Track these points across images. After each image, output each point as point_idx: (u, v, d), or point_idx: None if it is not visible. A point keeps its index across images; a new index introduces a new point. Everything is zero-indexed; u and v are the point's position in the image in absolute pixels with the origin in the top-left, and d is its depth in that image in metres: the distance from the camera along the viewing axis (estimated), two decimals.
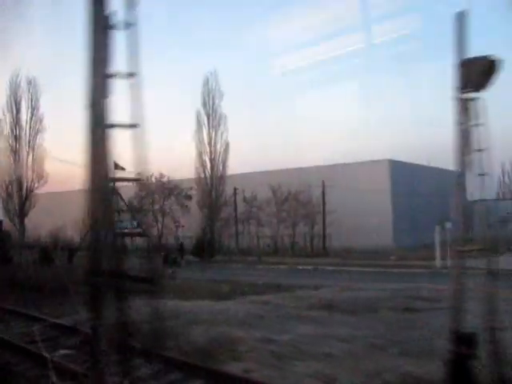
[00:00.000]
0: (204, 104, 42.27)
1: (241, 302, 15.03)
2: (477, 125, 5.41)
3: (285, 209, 38.87)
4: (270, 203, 39.27)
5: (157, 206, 44.96)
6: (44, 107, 46.71)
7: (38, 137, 46.19)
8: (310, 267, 28.33)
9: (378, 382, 7.17)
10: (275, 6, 65.33)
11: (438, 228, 27.53)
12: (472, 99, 5.70)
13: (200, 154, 42.45)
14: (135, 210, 46.36)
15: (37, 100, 46.10)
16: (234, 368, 8.05)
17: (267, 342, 9.60)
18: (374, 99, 67.49)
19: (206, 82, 42.38)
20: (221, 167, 42.36)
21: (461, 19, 5.72)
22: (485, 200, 6.54)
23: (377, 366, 7.74)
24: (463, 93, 5.79)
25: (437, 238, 27.09)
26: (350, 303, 14.28)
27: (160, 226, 44.34)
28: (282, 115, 75.34)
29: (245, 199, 41.09)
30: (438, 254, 26.61)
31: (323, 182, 37.75)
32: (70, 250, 29.22)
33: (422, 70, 73.93)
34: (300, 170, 41.73)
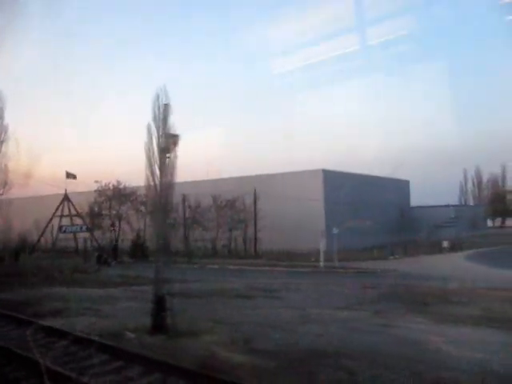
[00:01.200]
0: (154, 118, 45.62)
1: (119, 289, 18.57)
2: None
3: (223, 215, 42.50)
4: (211, 210, 42.90)
5: (114, 212, 48.77)
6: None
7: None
8: (231, 267, 32.07)
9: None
10: (269, 8, 66.99)
11: (322, 235, 31.35)
12: None
13: (150, 164, 45.79)
14: (94, 215, 50.03)
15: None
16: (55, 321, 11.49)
17: (94, 310, 13.17)
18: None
19: (157, 98, 45.73)
20: (169, 176, 45.69)
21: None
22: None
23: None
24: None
25: (322, 244, 30.87)
26: (203, 291, 17.92)
27: (117, 229, 48.02)
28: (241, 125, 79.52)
29: (189, 206, 44.58)
30: (321, 256, 30.43)
31: (255, 190, 41.36)
32: (16, 250, 32.68)
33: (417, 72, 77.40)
34: (241, 179, 45.35)
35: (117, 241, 43.50)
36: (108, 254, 35.03)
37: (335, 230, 31.46)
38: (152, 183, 39.29)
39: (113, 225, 46.56)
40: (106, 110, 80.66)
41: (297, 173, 45.41)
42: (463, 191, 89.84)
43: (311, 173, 45.20)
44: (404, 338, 10.05)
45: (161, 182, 40.98)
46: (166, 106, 41.29)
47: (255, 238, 41.09)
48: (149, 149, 40.84)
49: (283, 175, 45.46)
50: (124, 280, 22.07)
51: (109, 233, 47.87)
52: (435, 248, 41.50)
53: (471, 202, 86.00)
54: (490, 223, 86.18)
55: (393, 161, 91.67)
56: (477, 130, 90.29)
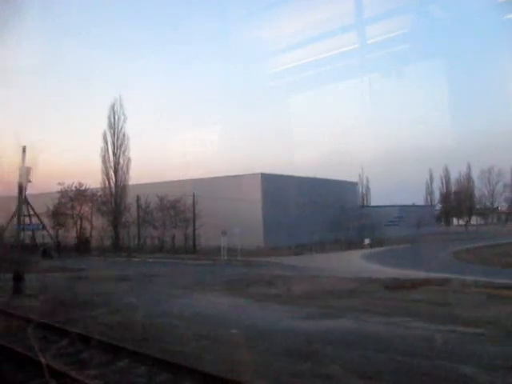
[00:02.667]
0: (110, 125, 50.38)
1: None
2: None
3: (167, 214, 47.43)
4: (157, 209, 47.84)
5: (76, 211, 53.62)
6: None
7: None
8: (151, 260, 37.37)
9: None
10: (265, 7, 67.75)
11: (223, 233, 36.18)
12: None
13: (106, 168, 50.56)
14: (57, 215, 54.53)
15: None
16: None
17: None
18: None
19: (112, 107, 50.48)
20: (123, 178, 50.50)
21: None
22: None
23: None
24: None
25: (223, 241, 35.69)
26: (92, 276, 22.78)
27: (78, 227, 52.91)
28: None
29: (139, 206, 49.36)
30: (222, 251, 35.42)
31: (193, 193, 46.07)
32: None
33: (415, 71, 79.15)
34: (186, 181, 50.05)
35: (57, 237, 48.24)
36: (53, 249, 39.75)
37: (236, 230, 35.90)
38: (107, 185, 44.94)
39: (59, 224, 51.25)
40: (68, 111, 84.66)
41: (238, 176, 50.11)
42: (428, 191, 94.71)
43: (250, 176, 49.90)
44: (185, 305, 14.70)
45: (116, 184, 46.55)
46: (120, 116, 46.66)
47: (194, 236, 45.76)
48: (104, 154, 46.39)
49: (227, 178, 50.14)
50: (46, 268, 26.71)
51: (71, 230, 52.71)
52: (359, 245, 46.29)
53: (437, 201, 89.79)
54: (457, 221, 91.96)
55: (381, 161, 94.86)
56: (469, 129, 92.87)
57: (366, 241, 47.07)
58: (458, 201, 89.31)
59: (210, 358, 8.13)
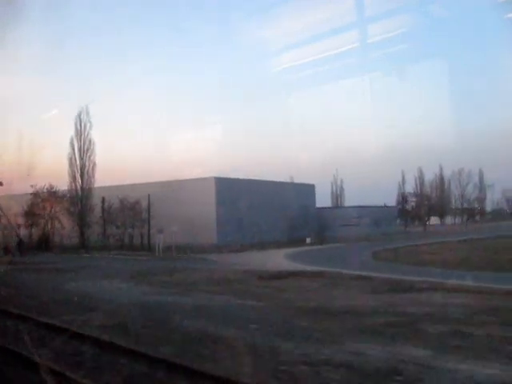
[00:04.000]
0: (76, 132, 54.42)
1: None
2: None
3: (127, 215, 51.62)
4: (119, 210, 52.04)
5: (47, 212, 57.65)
6: None
7: None
8: (98, 255, 42.12)
9: None
10: (266, 6, 68.75)
11: (158, 231, 40.91)
12: None
13: (72, 171, 54.65)
14: (30, 215, 58.32)
15: None
16: None
17: None
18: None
19: (79, 115, 54.51)
20: (89, 181, 54.61)
21: None
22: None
23: None
24: None
25: (158, 238, 40.10)
26: (32, 268, 26.81)
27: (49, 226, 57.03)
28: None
29: (103, 207, 53.48)
30: (157, 248, 39.88)
31: (149, 195, 50.19)
32: None
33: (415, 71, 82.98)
34: (147, 184, 54.25)
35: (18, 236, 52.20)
36: (13, 247, 43.68)
37: (174, 228, 40.06)
38: (74, 187, 49.48)
39: (32, 223, 55.22)
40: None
41: (194, 179, 54.45)
42: (400, 192, 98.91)
43: (205, 180, 54.21)
44: (78, 287, 18.82)
45: (82, 186, 51.15)
46: (86, 123, 51.73)
47: (148, 235, 49.91)
48: (71, 158, 51.11)
49: (184, 181, 54.35)
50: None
51: (43, 230, 56.71)
52: (301, 243, 50.53)
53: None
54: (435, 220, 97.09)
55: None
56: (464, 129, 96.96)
57: (308, 240, 51.27)
58: (429, 202, 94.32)
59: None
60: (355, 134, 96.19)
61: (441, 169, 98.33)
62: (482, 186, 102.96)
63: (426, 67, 68.14)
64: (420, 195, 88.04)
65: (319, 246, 49.07)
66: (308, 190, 71.27)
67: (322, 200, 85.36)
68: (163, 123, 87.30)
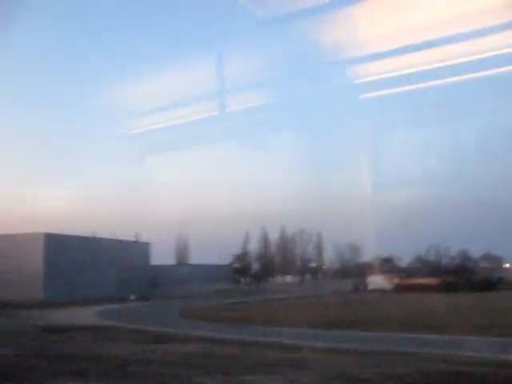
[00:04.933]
0: None
1: None
2: None
3: None
4: None
5: None
6: None
7: None
8: None
9: None
10: (131, 67, 69.46)
11: None
12: None
13: None
14: None
15: None
16: None
17: None
18: None
19: None
20: None
21: None
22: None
23: None
24: None
25: None
26: None
27: None
28: None
29: None
30: None
31: None
32: None
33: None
34: None
35: None
36: None
37: None
38: None
39: None
40: None
41: (21, 234, 54.47)
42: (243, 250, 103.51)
43: (33, 235, 54.55)
44: None
45: None
46: None
47: None
48: None
49: (10, 236, 54.17)
50: None
51: None
52: (125, 300, 52.42)
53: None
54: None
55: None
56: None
57: (132, 297, 53.42)
58: (265, 260, 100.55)
59: None
60: (209, 196, 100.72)
61: (283, 229, 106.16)
62: (319, 246, 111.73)
63: (276, 137, 74.11)
64: (248, 254, 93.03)
65: (142, 303, 51.24)
66: (143, 247, 73.69)
67: (169, 257, 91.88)
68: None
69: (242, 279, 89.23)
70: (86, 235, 62.54)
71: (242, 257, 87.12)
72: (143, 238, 77.39)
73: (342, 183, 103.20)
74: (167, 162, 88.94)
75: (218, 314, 37.38)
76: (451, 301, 41.97)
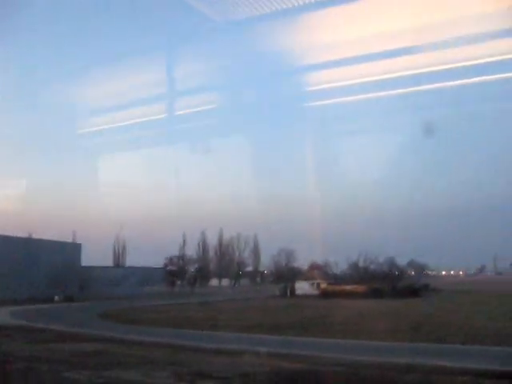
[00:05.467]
0: None
1: None
2: None
3: None
4: None
5: None
6: None
7: None
8: None
9: None
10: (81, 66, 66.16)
11: None
12: None
13: None
14: None
15: None
16: None
17: None
18: None
19: None
20: None
21: None
22: None
23: None
24: None
25: None
26: None
27: None
28: None
29: None
30: None
31: None
32: None
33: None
34: None
35: None
36: None
37: None
38: None
39: None
40: None
41: None
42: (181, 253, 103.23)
43: None
44: None
45: None
46: None
47: None
48: None
49: None
50: None
51: None
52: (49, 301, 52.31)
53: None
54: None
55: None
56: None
57: (56, 297, 53.37)
58: (201, 264, 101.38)
59: None
60: (153, 199, 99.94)
61: (221, 233, 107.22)
62: (256, 250, 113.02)
63: (224, 142, 74.43)
64: (184, 257, 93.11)
65: (66, 304, 51.25)
66: (74, 248, 73.24)
67: (107, 259, 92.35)
68: None
69: (178, 282, 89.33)
70: (20, 236, 62.11)
71: (177, 260, 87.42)
72: (82, 240, 77.38)
73: (285, 189, 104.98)
74: (114, 163, 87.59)
75: (136, 316, 38.14)
76: (363, 306, 44.06)
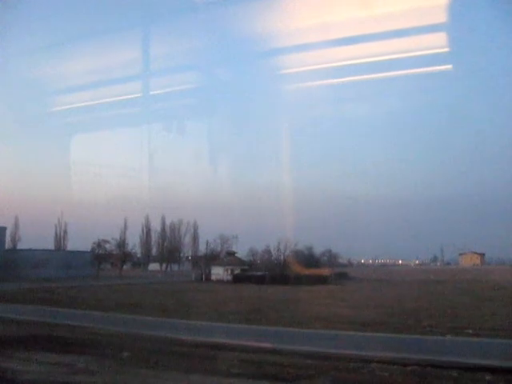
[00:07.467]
0: None
1: None
2: None
3: None
4: None
5: None
6: None
7: None
8: None
9: None
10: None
11: None
12: None
13: None
14: None
15: None
16: None
17: None
18: None
19: None
20: None
21: None
22: None
23: None
24: None
25: None
26: None
27: None
28: None
29: None
30: None
31: None
32: None
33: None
34: None
35: None
36: None
37: None
38: None
39: None
40: None
41: None
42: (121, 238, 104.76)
43: None
44: None
45: None
46: None
47: None
48: None
49: None
50: None
51: None
52: None
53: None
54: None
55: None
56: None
57: None
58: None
59: None
60: (117, 181, 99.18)
61: (163, 219, 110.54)
62: (195, 236, 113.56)
63: (198, 124, 73.77)
64: (109, 241, 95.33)
65: None
66: None
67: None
68: None
69: (105, 266, 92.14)
70: None
71: (103, 244, 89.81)
72: (27, 224, 78.74)
73: (241, 176, 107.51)
74: (86, 143, 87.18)
75: (39, 296, 40.62)
76: (247, 292, 48.22)
